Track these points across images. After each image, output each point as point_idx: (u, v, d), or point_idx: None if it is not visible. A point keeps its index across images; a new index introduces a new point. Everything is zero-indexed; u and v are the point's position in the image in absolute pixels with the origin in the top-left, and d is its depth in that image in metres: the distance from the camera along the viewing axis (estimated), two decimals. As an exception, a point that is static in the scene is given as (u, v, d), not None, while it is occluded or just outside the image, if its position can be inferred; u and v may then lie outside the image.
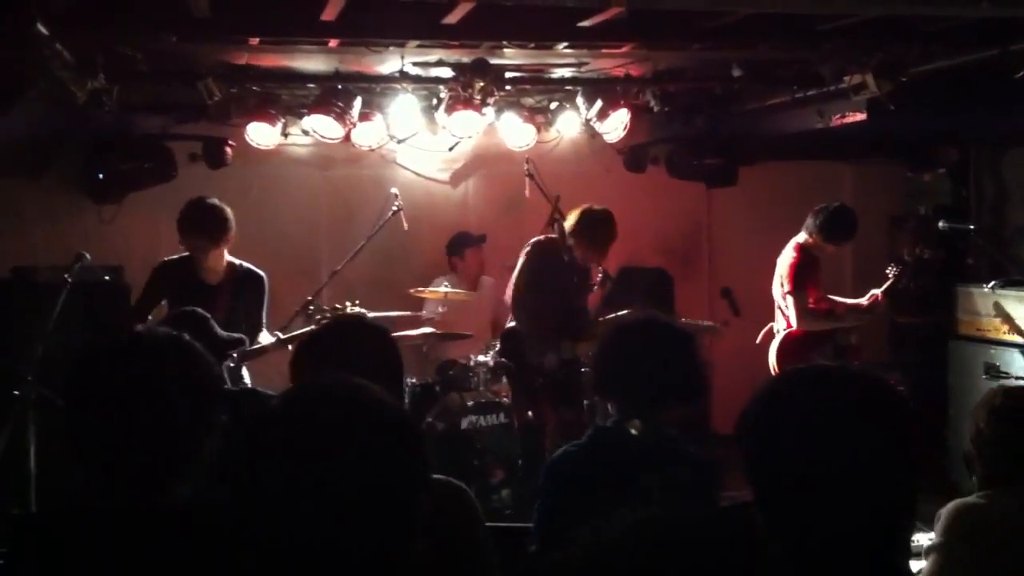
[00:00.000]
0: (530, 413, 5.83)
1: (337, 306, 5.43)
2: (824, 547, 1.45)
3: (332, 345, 2.50)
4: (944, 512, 2.68)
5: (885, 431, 1.47)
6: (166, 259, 5.25)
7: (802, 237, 5.81)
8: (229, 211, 5.10)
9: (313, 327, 4.51)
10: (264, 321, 5.17)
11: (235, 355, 4.74)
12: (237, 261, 5.19)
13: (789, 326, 5.80)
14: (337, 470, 1.31)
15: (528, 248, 5.84)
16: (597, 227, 5.65)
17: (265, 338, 5.07)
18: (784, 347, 5.78)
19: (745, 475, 1.53)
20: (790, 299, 5.70)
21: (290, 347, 4.88)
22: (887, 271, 6.01)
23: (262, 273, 5.22)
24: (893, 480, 1.47)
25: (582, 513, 2.53)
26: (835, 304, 6.00)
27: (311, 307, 5.44)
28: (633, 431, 2.65)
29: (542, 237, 5.78)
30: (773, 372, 5.76)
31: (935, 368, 6.67)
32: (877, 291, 5.92)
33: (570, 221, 5.67)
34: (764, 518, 1.48)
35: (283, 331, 5.16)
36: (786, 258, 5.80)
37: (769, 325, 5.94)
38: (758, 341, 5.95)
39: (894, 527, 1.47)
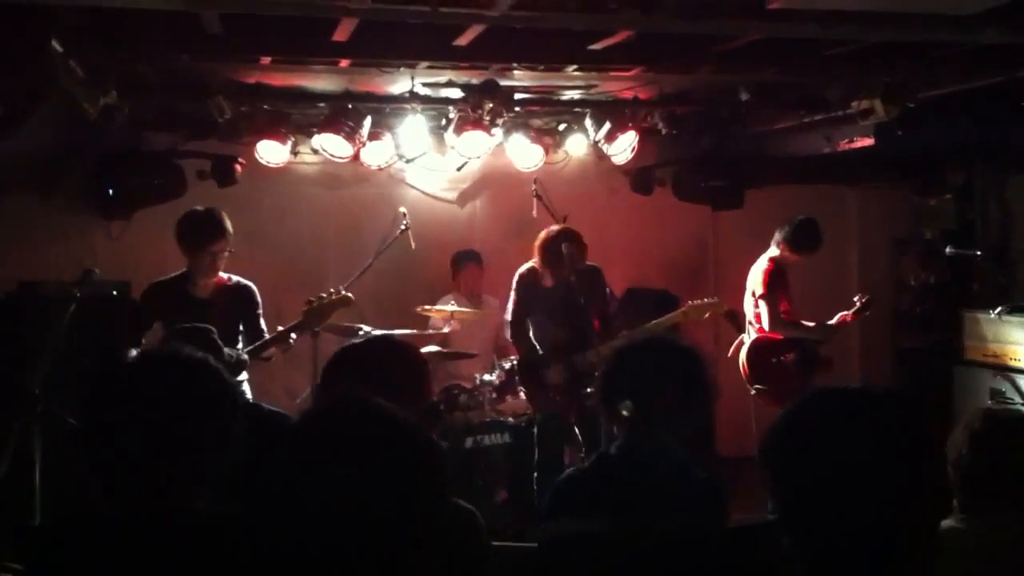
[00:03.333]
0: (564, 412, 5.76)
1: (314, 297, 5.14)
2: (850, 566, 1.45)
3: (366, 361, 2.56)
4: None
5: (912, 450, 1.48)
6: (153, 281, 5.18)
7: (774, 251, 6.11)
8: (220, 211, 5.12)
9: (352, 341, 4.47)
10: (264, 330, 5.09)
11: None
12: (226, 274, 5.14)
13: (761, 331, 6.00)
14: (351, 487, 1.32)
15: (514, 280, 5.84)
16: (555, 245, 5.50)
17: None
18: (754, 350, 6.02)
19: (770, 494, 1.53)
20: (763, 303, 5.96)
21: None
22: (855, 299, 6.20)
23: (251, 283, 5.18)
24: (920, 499, 1.47)
25: (587, 535, 2.55)
26: (807, 319, 6.17)
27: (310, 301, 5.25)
28: (625, 412, 2.66)
29: (522, 268, 5.76)
30: (742, 374, 6.02)
31: (941, 393, 6.65)
32: (846, 313, 6.13)
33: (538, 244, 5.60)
34: (789, 537, 1.49)
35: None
36: (759, 267, 6.09)
37: (740, 338, 6.14)
38: (729, 355, 6.13)
39: (921, 545, 1.47)
